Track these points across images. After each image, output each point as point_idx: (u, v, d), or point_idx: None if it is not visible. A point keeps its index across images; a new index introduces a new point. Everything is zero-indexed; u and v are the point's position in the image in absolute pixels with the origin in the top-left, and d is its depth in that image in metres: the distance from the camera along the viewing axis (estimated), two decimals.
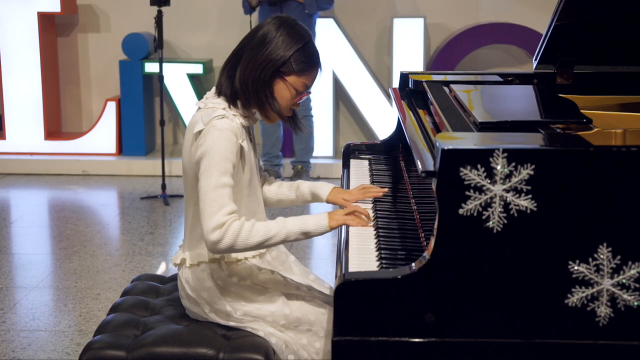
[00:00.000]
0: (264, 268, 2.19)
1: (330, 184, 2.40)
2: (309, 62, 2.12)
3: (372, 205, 2.34)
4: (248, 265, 2.18)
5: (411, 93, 2.69)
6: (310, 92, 2.19)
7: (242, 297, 2.18)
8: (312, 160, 6.03)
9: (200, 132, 2.06)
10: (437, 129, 2.11)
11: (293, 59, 2.09)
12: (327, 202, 2.37)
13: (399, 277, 1.66)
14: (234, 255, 2.16)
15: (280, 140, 5.78)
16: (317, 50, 2.16)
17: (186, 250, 2.21)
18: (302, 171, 5.77)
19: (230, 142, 2.04)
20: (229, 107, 2.12)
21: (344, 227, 2.13)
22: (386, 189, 2.38)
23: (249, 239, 1.99)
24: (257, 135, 5.71)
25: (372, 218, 2.19)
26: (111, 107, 6.28)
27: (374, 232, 2.11)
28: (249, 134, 2.20)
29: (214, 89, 2.18)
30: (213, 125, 2.05)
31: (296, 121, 2.26)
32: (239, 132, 2.09)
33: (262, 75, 2.09)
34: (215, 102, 2.14)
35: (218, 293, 2.16)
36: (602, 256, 1.64)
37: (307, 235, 2.06)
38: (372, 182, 2.54)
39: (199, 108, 2.17)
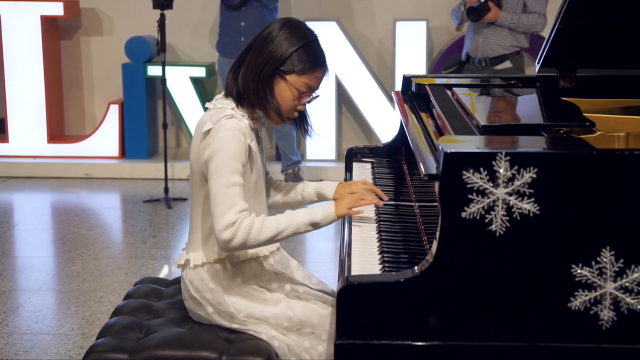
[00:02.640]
0: (268, 270, 2.19)
1: (334, 182, 2.40)
2: (311, 62, 2.11)
3: (375, 208, 2.34)
4: (252, 266, 2.18)
5: (414, 96, 2.69)
6: (317, 95, 2.17)
7: (246, 299, 2.18)
8: (315, 164, 6.04)
9: (208, 131, 2.07)
10: (440, 132, 2.11)
11: (293, 57, 2.09)
12: (334, 200, 2.39)
13: (402, 280, 1.66)
14: (237, 256, 2.16)
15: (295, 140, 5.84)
16: (321, 51, 2.14)
17: (190, 251, 2.21)
18: (298, 172, 5.79)
19: (238, 142, 2.05)
20: (237, 107, 2.13)
21: (347, 230, 2.13)
22: (386, 198, 2.37)
23: (260, 235, 2.00)
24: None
25: (376, 218, 2.19)
26: (114, 110, 6.28)
27: (377, 235, 2.11)
28: (257, 136, 2.20)
29: (224, 91, 2.20)
30: (222, 125, 2.06)
31: (304, 124, 2.25)
32: (247, 132, 2.10)
33: (262, 73, 2.09)
34: (223, 103, 2.15)
35: (222, 294, 2.16)
36: (605, 259, 1.64)
37: (317, 226, 2.08)
38: (375, 185, 2.54)
39: (208, 109, 2.18)
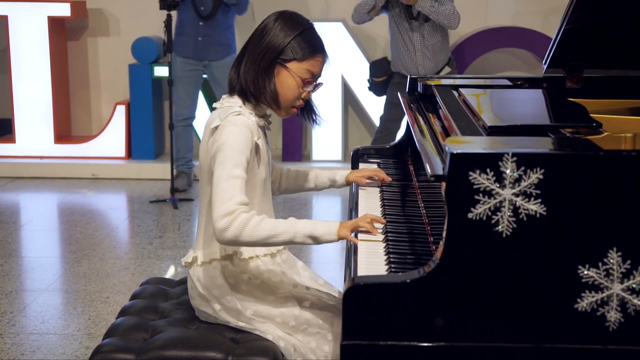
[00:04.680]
0: (275, 268, 2.19)
1: (347, 170, 2.53)
2: (310, 48, 2.14)
3: (381, 209, 2.34)
4: (259, 264, 2.18)
5: (420, 97, 2.69)
6: (321, 83, 2.20)
7: (253, 296, 2.18)
8: (321, 165, 6.05)
9: (217, 128, 2.09)
10: (446, 133, 2.11)
11: (292, 45, 2.11)
12: (347, 180, 2.50)
13: (408, 281, 1.66)
14: (245, 253, 2.16)
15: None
16: (319, 37, 2.18)
17: (198, 248, 2.22)
18: None
19: (245, 137, 2.07)
20: (244, 104, 2.15)
21: None
22: (390, 179, 2.51)
23: (256, 231, 1.98)
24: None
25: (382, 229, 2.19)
26: (120, 111, 6.29)
27: (383, 236, 2.10)
28: (265, 134, 2.21)
29: (228, 90, 2.21)
30: (229, 121, 2.08)
31: (311, 114, 2.27)
32: (255, 129, 2.12)
33: (262, 64, 2.11)
34: (231, 102, 2.17)
35: (229, 290, 2.17)
36: (612, 261, 1.64)
37: (315, 241, 2.04)
38: (381, 185, 2.54)
39: (215, 108, 2.20)
